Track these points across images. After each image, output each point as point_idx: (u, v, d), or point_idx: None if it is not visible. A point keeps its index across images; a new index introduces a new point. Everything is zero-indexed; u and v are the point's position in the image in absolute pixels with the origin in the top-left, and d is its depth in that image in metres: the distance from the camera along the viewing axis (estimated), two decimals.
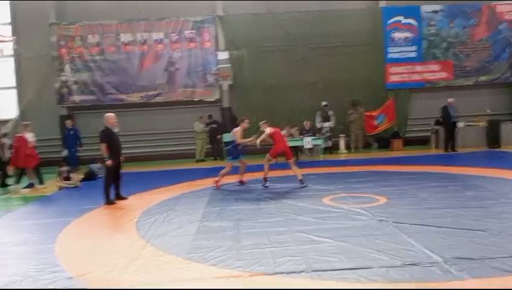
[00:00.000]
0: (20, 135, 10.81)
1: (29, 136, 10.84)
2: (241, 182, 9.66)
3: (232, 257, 4.80)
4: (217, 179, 9.43)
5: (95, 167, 11.61)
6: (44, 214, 7.86)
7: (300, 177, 8.96)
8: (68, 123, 14.02)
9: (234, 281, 4.21)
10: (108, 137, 8.22)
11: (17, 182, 10.99)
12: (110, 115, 8.51)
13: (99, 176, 10.94)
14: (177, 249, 5.19)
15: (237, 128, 9.59)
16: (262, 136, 9.27)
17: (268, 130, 9.22)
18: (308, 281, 4.10)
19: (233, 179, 9.84)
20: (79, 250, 5.47)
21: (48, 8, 15.70)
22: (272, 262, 4.58)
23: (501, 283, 3.84)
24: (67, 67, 15.81)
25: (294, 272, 4.29)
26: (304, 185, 8.80)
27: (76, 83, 15.84)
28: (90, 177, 11.43)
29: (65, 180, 10.65)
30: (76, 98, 15.92)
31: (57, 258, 5.15)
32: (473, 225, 5.45)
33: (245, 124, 9.59)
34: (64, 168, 10.77)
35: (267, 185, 9.07)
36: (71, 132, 13.79)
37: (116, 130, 8.53)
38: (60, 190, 10.33)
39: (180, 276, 4.40)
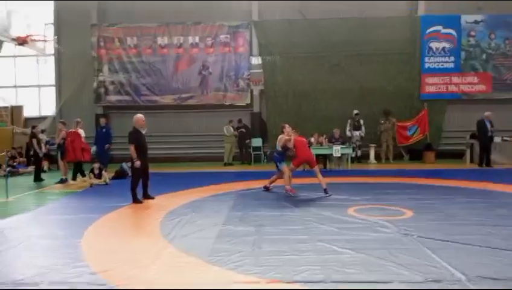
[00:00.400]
0: (73, 130, 11.39)
1: (81, 132, 11.46)
2: (267, 188, 9.63)
3: (251, 263, 4.80)
4: (287, 188, 9.08)
5: (126, 165, 11.88)
6: (73, 209, 8.09)
7: (324, 186, 8.87)
8: (102, 121, 14.28)
9: (250, 286, 4.20)
10: (136, 138, 8.40)
11: (82, 175, 11.43)
12: (139, 116, 8.68)
13: (130, 174, 11.18)
14: (197, 251, 5.23)
15: (281, 136, 9.35)
16: (286, 138, 9.17)
17: (288, 137, 9.14)
18: None
19: (258, 184, 9.86)
20: (103, 246, 5.60)
21: (89, 9, 16.26)
22: (291, 270, 4.55)
23: None
24: (105, 67, 16.32)
25: (312, 282, 4.24)
26: (328, 194, 8.71)
27: (112, 83, 16.34)
28: (121, 175, 11.71)
29: (96, 177, 10.95)
30: (112, 97, 16.42)
31: (82, 253, 5.30)
32: (501, 244, 5.24)
33: (287, 129, 9.33)
34: (96, 165, 11.07)
35: (289, 194, 8.96)
36: (103, 130, 14.08)
37: (144, 131, 8.70)
38: (90, 186, 10.64)
39: (198, 278, 4.43)
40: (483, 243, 5.30)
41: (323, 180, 8.99)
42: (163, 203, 8.35)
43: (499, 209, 7.32)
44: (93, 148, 14.27)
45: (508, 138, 14.43)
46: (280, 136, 9.41)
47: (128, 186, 8.55)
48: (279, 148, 9.36)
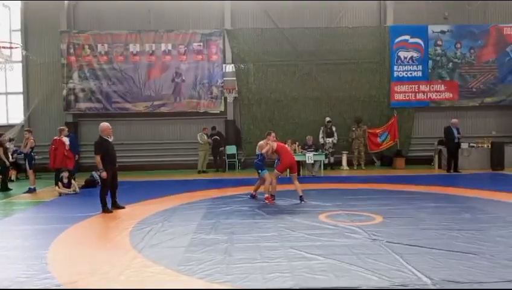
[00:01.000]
0: (58, 138, 11.17)
1: (66, 140, 11.21)
2: (253, 196, 9.48)
3: (221, 271, 4.78)
4: (266, 196, 9.02)
5: (96, 174, 11.66)
6: (40, 220, 7.90)
7: (300, 193, 8.93)
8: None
9: None
10: (102, 148, 8.26)
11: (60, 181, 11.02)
12: (105, 124, 8.52)
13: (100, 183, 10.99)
14: (167, 261, 5.18)
15: (262, 142, 9.37)
16: (267, 147, 9.14)
17: (268, 147, 9.14)
18: None
19: (232, 191, 9.82)
20: (71, 258, 5.49)
21: (59, 16, 15.95)
22: (261, 278, 4.56)
23: None
24: (75, 74, 16.01)
25: (282, 289, 4.27)
26: (303, 202, 8.78)
27: (83, 90, 16.03)
28: (90, 184, 11.48)
29: (65, 186, 10.71)
30: (83, 105, 16.10)
31: (48, 265, 5.17)
32: (466, 248, 5.40)
33: (271, 137, 9.32)
34: (65, 174, 10.81)
35: (273, 200, 8.97)
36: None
37: (110, 139, 8.50)
38: (59, 196, 10.40)
39: (167, 288, 4.39)
40: (449, 247, 5.45)
41: (300, 187, 9.04)
42: (134, 212, 8.23)
43: (464, 213, 7.54)
44: None
45: (474, 144, 14.89)
46: (260, 142, 9.42)
47: (98, 196, 8.41)
48: (259, 153, 9.28)
